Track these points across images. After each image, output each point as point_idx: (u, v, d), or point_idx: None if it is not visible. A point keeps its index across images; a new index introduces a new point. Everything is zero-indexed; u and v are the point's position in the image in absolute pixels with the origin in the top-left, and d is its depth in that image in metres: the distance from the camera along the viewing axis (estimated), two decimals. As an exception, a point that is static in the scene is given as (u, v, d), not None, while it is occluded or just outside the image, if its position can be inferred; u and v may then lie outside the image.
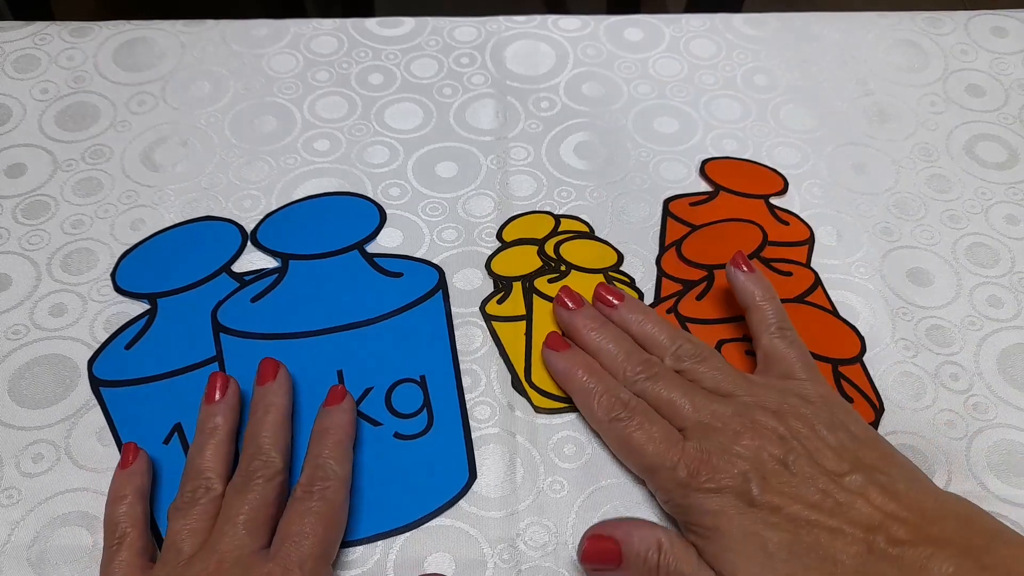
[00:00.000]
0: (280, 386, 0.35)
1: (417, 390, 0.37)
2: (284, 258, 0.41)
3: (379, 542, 0.33)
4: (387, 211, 0.43)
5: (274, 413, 0.34)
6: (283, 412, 0.34)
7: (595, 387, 0.34)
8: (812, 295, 0.41)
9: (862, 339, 0.39)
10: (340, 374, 0.37)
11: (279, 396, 0.34)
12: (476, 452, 0.36)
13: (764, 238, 0.43)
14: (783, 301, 0.38)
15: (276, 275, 0.40)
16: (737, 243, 0.42)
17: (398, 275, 0.40)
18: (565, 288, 0.39)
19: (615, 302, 0.38)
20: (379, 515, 0.34)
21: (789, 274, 0.42)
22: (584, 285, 0.40)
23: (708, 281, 0.41)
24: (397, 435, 0.36)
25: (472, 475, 0.35)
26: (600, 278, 0.41)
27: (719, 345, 0.39)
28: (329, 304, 0.39)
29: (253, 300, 0.39)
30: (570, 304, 0.38)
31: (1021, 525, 0.34)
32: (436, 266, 0.41)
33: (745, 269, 0.38)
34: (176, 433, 0.35)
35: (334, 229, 0.42)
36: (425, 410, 0.36)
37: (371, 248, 0.42)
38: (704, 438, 0.31)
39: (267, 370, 0.35)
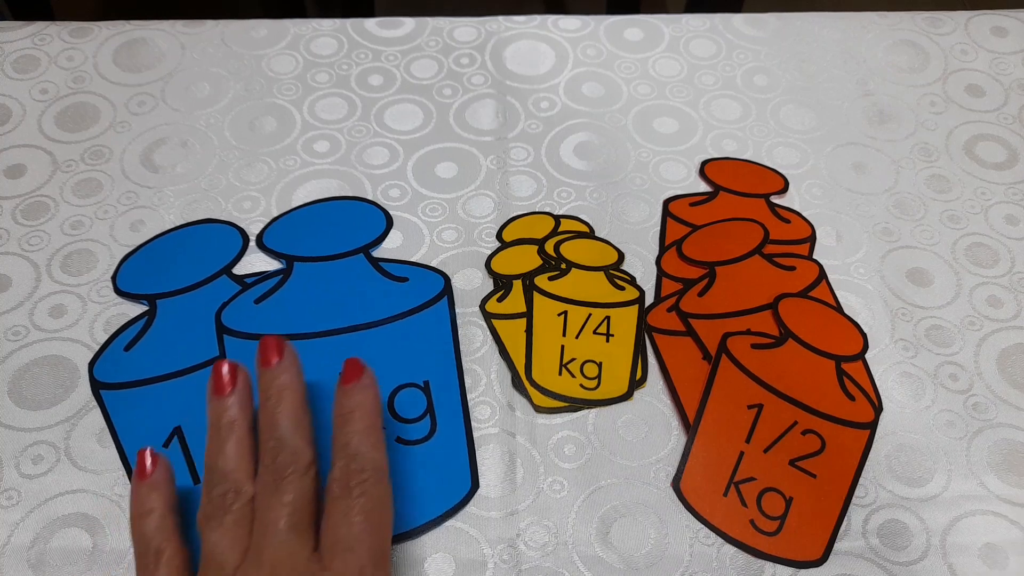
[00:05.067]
0: (290, 364, 0.30)
1: (420, 395, 0.37)
2: (289, 260, 0.41)
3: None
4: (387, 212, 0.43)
5: (289, 397, 0.29)
6: (299, 394, 0.30)
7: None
8: (816, 290, 0.41)
9: (865, 336, 0.39)
10: None
11: (290, 376, 0.30)
12: (477, 454, 0.36)
13: (765, 234, 0.43)
14: (786, 296, 0.37)
15: (280, 277, 0.40)
16: (738, 240, 0.42)
17: (403, 280, 0.40)
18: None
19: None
20: None
21: (793, 268, 0.41)
22: (585, 283, 0.40)
23: (710, 277, 0.41)
24: (399, 440, 0.36)
25: (475, 484, 0.35)
26: (601, 276, 0.41)
27: (724, 339, 0.38)
28: (333, 306, 0.39)
29: (257, 302, 0.39)
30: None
31: (1021, 525, 0.34)
32: (442, 272, 0.41)
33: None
34: (176, 436, 0.35)
35: (340, 233, 0.42)
36: (428, 416, 0.36)
37: (374, 252, 0.42)
38: None
39: (270, 348, 0.30)
